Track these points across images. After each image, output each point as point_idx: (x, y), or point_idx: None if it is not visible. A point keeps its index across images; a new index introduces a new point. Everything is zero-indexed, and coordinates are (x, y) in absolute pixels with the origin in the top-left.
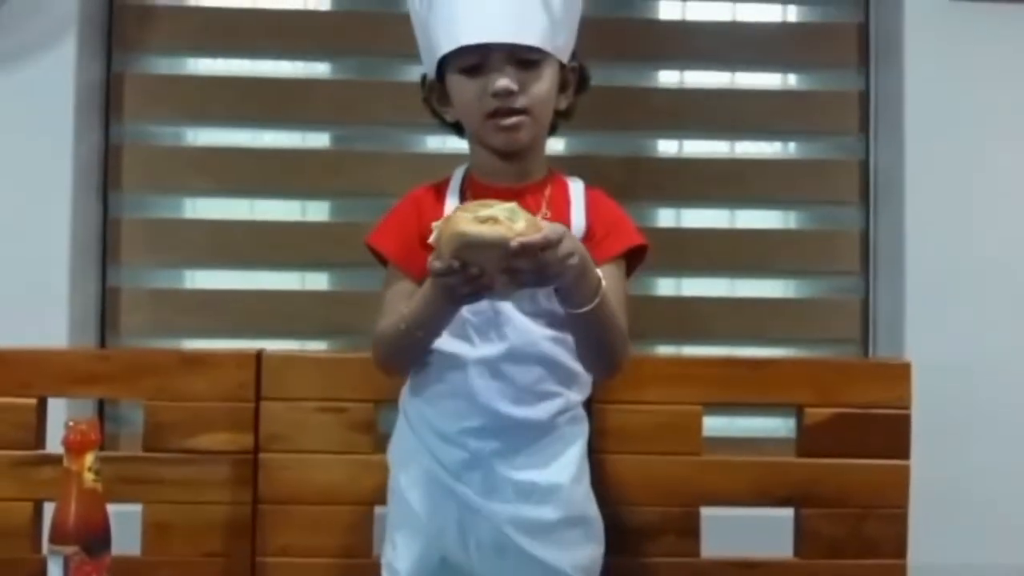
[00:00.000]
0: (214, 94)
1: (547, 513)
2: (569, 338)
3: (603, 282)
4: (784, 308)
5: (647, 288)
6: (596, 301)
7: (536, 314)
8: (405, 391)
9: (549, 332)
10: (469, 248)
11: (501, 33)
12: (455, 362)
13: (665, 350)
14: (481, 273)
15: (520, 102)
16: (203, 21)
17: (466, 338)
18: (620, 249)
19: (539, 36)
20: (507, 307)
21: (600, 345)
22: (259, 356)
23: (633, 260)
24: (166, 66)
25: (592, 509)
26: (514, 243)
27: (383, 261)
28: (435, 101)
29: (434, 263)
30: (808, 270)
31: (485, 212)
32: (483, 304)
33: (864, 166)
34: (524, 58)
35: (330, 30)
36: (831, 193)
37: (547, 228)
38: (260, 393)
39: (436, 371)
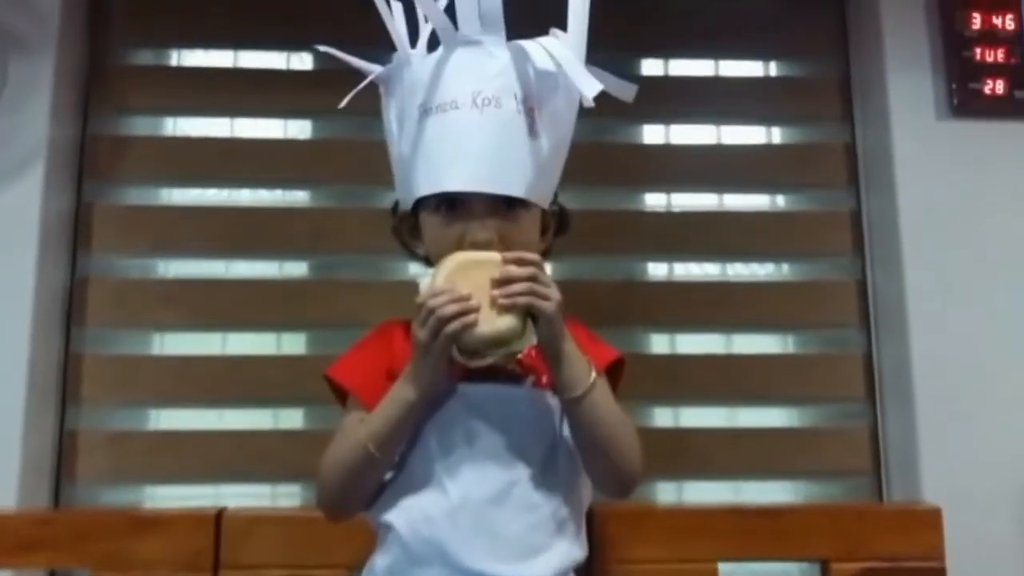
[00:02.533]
0: (188, 224)
1: None
2: (558, 477)
3: (595, 371)
4: (788, 438)
5: (643, 419)
6: (592, 381)
7: (516, 450)
8: (372, 561)
9: (530, 470)
10: (462, 269)
11: (484, 182)
12: (425, 517)
13: (664, 486)
14: (469, 296)
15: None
16: (179, 150)
17: (439, 486)
18: (600, 366)
19: (523, 185)
20: (482, 443)
21: (609, 446)
22: (219, 517)
23: (614, 378)
24: (139, 196)
25: None
26: (508, 255)
27: (342, 397)
28: (405, 233)
29: (417, 331)
30: (811, 397)
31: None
32: (455, 435)
33: (862, 287)
34: (505, 207)
35: (308, 158)
36: (830, 316)
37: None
38: (219, 560)
39: (406, 530)
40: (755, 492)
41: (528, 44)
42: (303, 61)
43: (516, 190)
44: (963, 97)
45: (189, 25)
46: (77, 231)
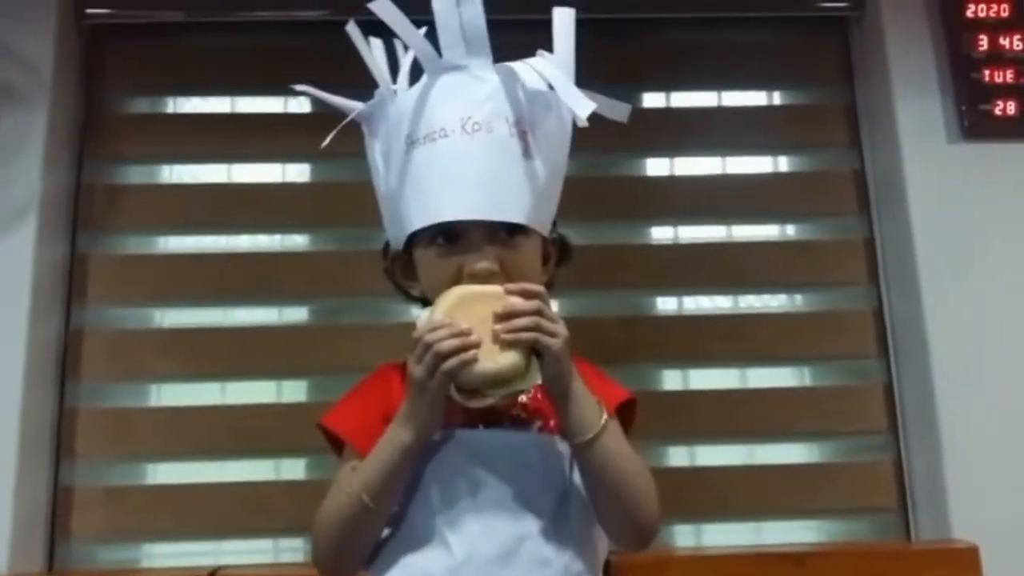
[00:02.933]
0: (185, 272)
1: None
2: (570, 529)
3: (606, 413)
4: (809, 475)
5: (657, 458)
6: (603, 424)
7: (525, 500)
8: None
9: (541, 522)
10: (463, 302)
11: (481, 209)
12: None
13: (682, 529)
14: (470, 331)
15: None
16: (176, 197)
17: (441, 542)
18: (612, 407)
19: (521, 211)
20: (488, 494)
21: (623, 494)
22: None
23: (626, 419)
24: (134, 245)
25: None
26: (512, 286)
27: (337, 446)
28: (398, 273)
29: (413, 368)
30: (831, 431)
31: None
32: (458, 486)
33: (879, 315)
34: (504, 235)
35: (307, 201)
36: (847, 346)
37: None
38: None
39: None
40: (776, 532)
41: (517, 65)
42: (300, 105)
43: (516, 216)
44: (974, 119)
45: (184, 72)
46: (72, 282)
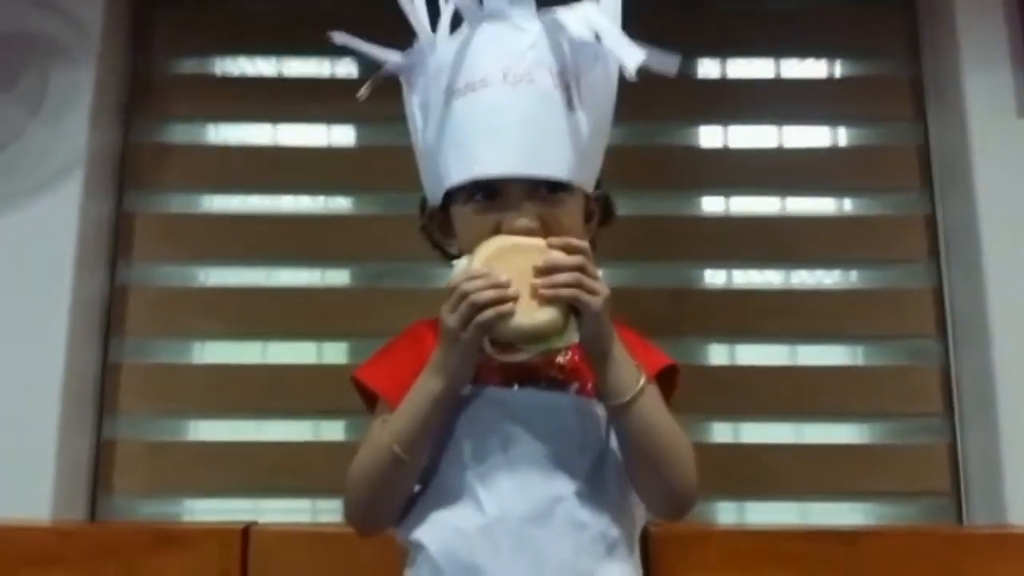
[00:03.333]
0: (229, 232)
1: None
2: (607, 495)
3: (644, 376)
4: (859, 456)
5: (701, 434)
6: (641, 386)
7: (560, 462)
8: None
9: (576, 485)
10: (503, 253)
11: (521, 164)
12: (459, 535)
13: (725, 506)
14: (508, 283)
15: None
16: (221, 158)
17: (472, 498)
18: (651, 373)
19: (564, 167)
20: (522, 453)
21: (659, 460)
22: (246, 532)
23: (666, 387)
24: (180, 204)
25: None
26: (555, 240)
27: (370, 400)
28: (435, 231)
29: (446, 318)
30: (884, 412)
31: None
32: (491, 443)
33: (938, 295)
34: (546, 191)
35: (352, 165)
36: (904, 325)
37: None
38: None
39: (438, 550)
40: (823, 513)
41: (561, 13)
42: (347, 68)
43: (558, 172)
44: None
45: (232, 33)
46: (117, 239)
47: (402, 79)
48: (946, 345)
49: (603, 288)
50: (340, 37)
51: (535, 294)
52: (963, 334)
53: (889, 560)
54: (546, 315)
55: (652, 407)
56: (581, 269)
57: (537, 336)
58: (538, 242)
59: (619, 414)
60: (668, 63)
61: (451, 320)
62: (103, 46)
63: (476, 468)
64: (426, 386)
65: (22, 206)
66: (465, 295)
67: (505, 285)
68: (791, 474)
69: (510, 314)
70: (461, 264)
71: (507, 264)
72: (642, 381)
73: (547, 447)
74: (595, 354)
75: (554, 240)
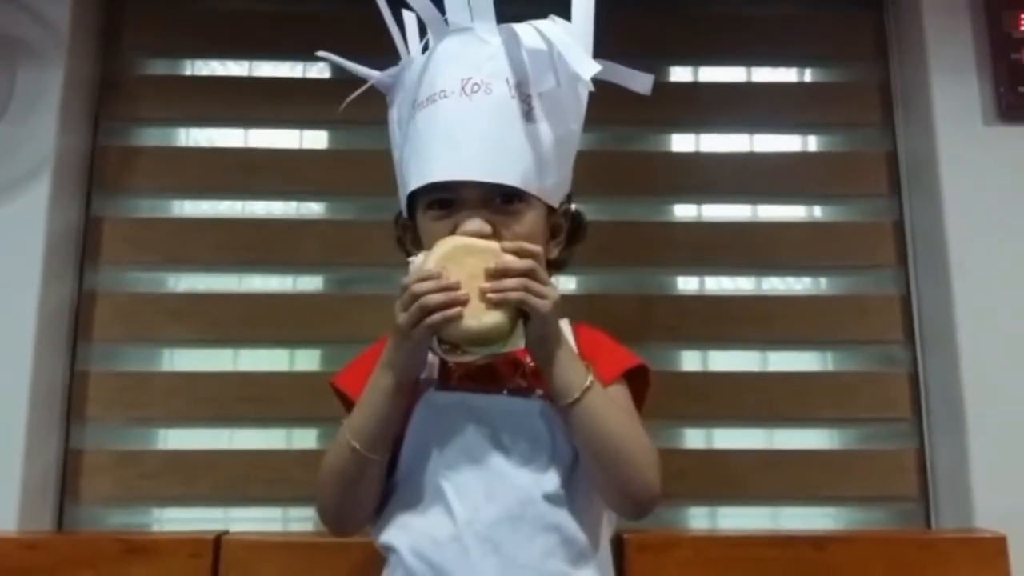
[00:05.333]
0: (199, 237)
1: None
2: (577, 499)
3: (592, 376)
4: (829, 461)
5: (673, 440)
6: (587, 386)
7: (529, 467)
8: None
9: (545, 489)
10: (457, 253)
11: (475, 171)
12: (429, 539)
13: (697, 512)
14: (458, 285)
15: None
16: (191, 161)
17: (443, 504)
18: (618, 371)
19: (519, 176)
20: (491, 458)
21: (612, 459)
22: (218, 542)
23: (638, 387)
24: (149, 208)
25: None
26: (508, 244)
27: (348, 406)
28: (408, 242)
29: (398, 315)
30: (853, 418)
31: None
32: (459, 447)
33: (906, 301)
34: (500, 201)
35: (324, 169)
36: (873, 331)
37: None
38: None
39: (408, 554)
40: (794, 518)
41: (520, 26)
42: (319, 70)
43: (511, 179)
44: (1012, 101)
45: (203, 34)
46: (85, 244)
47: (386, 97)
48: (914, 351)
49: (552, 292)
50: (324, 54)
51: (484, 297)
52: (931, 340)
53: (859, 564)
54: (492, 319)
55: (601, 407)
56: (530, 273)
57: (483, 339)
58: (492, 245)
59: (568, 414)
60: (641, 83)
61: (402, 319)
62: (71, 45)
63: (445, 472)
64: (377, 381)
65: None
66: (416, 296)
67: (455, 288)
68: (762, 480)
69: (457, 318)
70: (417, 261)
71: (460, 265)
72: (589, 380)
73: (515, 451)
74: (541, 356)
75: (507, 244)
